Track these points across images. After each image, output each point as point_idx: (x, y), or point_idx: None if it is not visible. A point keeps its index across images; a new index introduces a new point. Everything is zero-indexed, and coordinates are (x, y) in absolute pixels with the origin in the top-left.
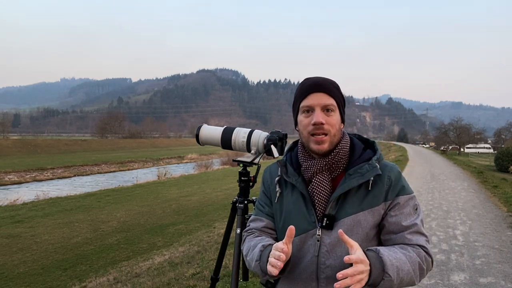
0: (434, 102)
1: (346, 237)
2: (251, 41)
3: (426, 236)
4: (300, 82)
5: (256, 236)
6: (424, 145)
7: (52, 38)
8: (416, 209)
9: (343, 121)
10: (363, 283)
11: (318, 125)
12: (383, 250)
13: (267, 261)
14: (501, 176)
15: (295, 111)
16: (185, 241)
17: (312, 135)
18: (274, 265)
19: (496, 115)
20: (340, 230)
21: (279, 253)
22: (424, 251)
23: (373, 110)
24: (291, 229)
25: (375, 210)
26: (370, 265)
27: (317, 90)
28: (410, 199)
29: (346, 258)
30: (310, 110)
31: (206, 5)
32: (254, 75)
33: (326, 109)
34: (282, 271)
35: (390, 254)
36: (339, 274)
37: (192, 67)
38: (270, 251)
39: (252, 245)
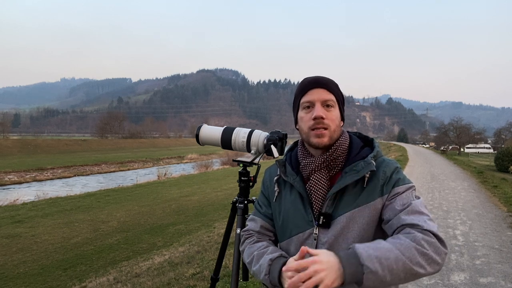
0: (434, 102)
1: (307, 249)
2: (251, 41)
3: (427, 214)
4: (300, 82)
5: (256, 242)
6: (424, 145)
7: (52, 38)
8: (415, 196)
9: (342, 119)
10: (328, 281)
11: (318, 119)
12: (359, 244)
13: (279, 274)
14: (501, 176)
15: (295, 109)
16: (185, 241)
17: (313, 129)
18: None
19: (496, 115)
20: (302, 248)
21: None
22: (422, 230)
23: (373, 110)
24: (303, 250)
25: (370, 205)
26: (341, 262)
27: (317, 86)
28: (408, 188)
29: (284, 268)
30: (310, 105)
31: (206, 5)
32: (254, 75)
33: (326, 105)
34: None
35: (369, 246)
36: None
37: (192, 67)
38: (281, 265)
39: (256, 255)
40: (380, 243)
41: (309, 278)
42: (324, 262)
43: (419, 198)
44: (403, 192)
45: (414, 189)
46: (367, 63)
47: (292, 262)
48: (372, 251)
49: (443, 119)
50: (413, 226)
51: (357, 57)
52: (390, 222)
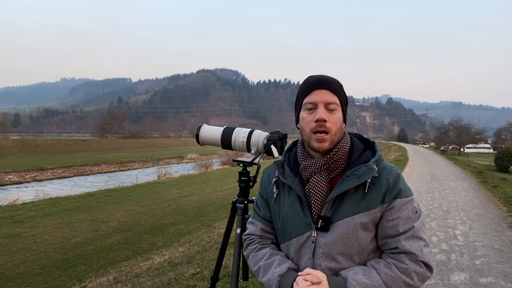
0: (434, 102)
1: (311, 270)
2: (251, 41)
3: (424, 240)
4: (300, 81)
5: (260, 249)
6: (424, 145)
7: (52, 38)
8: (416, 212)
9: (344, 120)
10: None
11: (320, 122)
12: (353, 278)
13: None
14: (501, 176)
15: (298, 108)
16: (185, 241)
17: (314, 132)
18: None
19: (496, 115)
20: (307, 270)
21: None
22: (416, 260)
23: (373, 110)
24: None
25: (371, 213)
26: None
27: (321, 87)
28: (408, 202)
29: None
30: (313, 107)
31: (206, 5)
32: (254, 75)
33: (329, 107)
34: None
35: (361, 283)
36: None
37: (192, 67)
38: (291, 282)
39: (262, 266)
40: (371, 276)
41: None
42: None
43: (419, 213)
44: (404, 209)
45: (414, 202)
46: (367, 63)
47: (302, 283)
48: None
49: (443, 119)
50: (408, 253)
51: (357, 57)
52: (389, 241)
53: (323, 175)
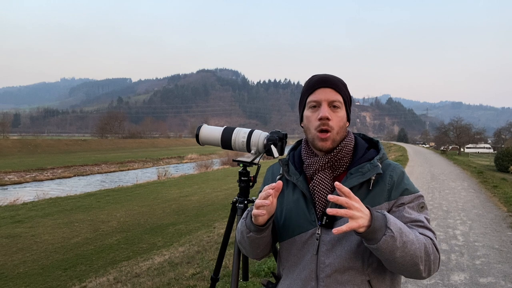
0: (434, 102)
1: (341, 186)
2: (251, 41)
3: (433, 231)
4: (300, 81)
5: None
6: (424, 145)
7: (52, 38)
8: (422, 206)
9: (348, 119)
10: (360, 223)
11: (324, 119)
12: (389, 215)
13: (252, 217)
14: (501, 176)
15: (302, 107)
16: (185, 241)
17: (318, 131)
18: (259, 209)
19: (496, 115)
20: (337, 183)
21: (265, 196)
22: (433, 243)
23: (373, 110)
24: (280, 183)
25: (376, 209)
26: (371, 215)
27: (325, 85)
28: (416, 198)
29: (336, 183)
30: (317, 105)
31: (206, 5)
32: (254, 75)
33: (332, 105)
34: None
35: (396, 219)
36: (330, 196)
37: (192, 67)
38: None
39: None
40: (402, 223)
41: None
42: (364, 209)
43: (425, 208)
44: (411, 202)
45: (422, 198)
46: (367, 63)
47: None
48: (398, 223)
49: (443, 119)
50: (423, 235)
51: (357, 57)
52: None
53: (327, 172)
